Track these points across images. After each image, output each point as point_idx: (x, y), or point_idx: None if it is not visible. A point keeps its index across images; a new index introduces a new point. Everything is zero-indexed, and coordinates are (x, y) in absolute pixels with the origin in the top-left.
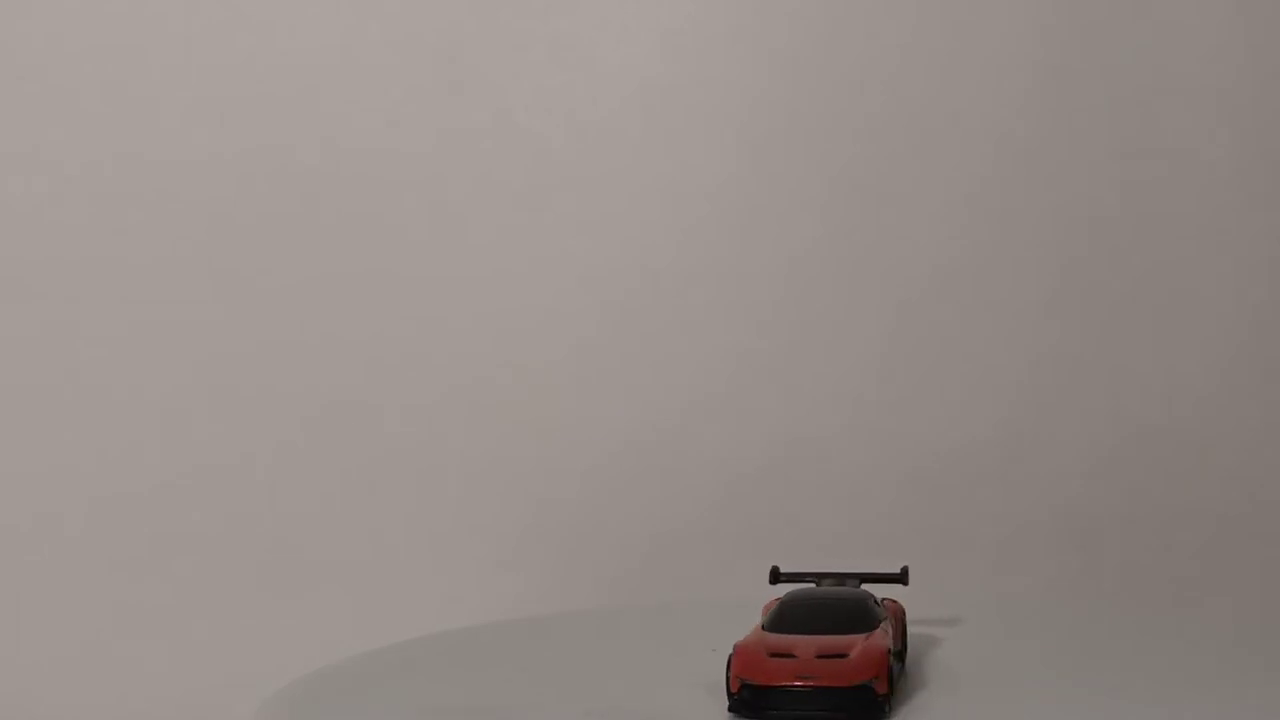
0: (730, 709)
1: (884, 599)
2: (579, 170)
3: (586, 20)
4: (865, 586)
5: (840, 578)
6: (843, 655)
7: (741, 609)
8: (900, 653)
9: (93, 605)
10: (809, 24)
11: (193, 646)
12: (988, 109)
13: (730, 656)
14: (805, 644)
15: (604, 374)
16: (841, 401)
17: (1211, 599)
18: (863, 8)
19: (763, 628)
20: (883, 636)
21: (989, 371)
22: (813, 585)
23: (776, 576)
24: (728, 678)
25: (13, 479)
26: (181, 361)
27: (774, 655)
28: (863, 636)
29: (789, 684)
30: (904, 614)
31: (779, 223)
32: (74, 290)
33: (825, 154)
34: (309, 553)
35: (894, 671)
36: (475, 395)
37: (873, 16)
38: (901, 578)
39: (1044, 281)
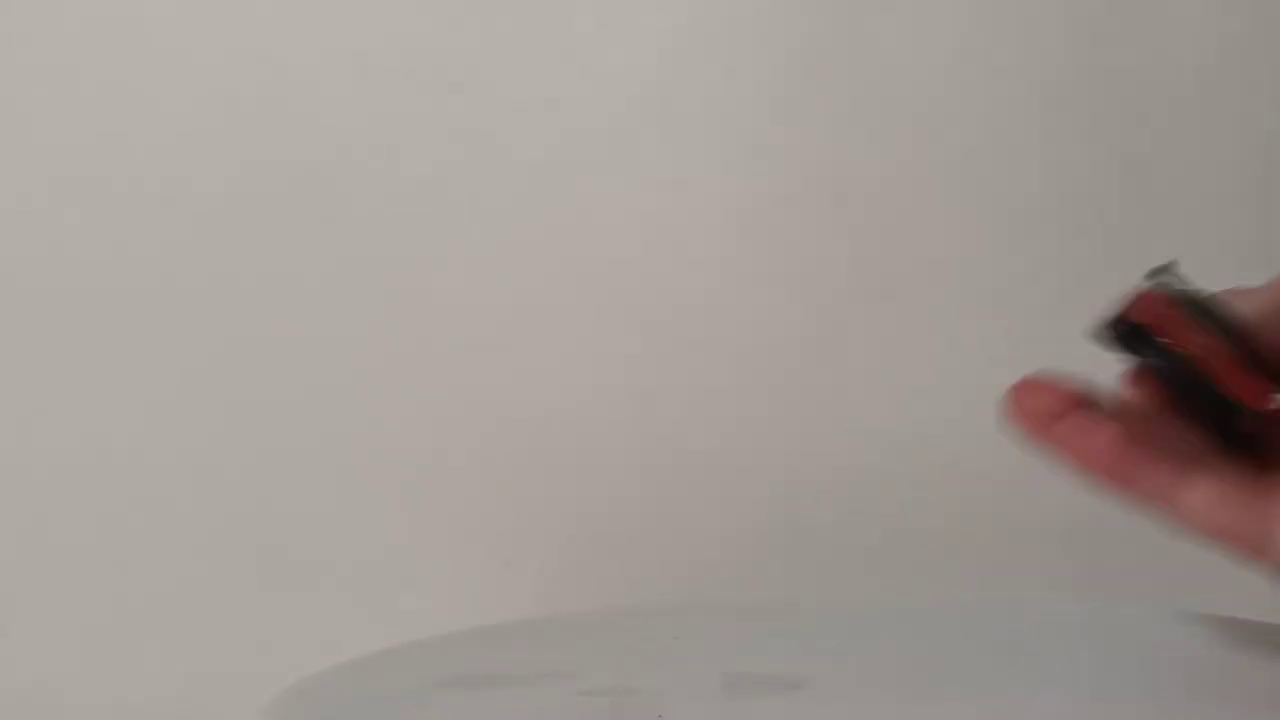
0: None
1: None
2: (579, 171)
3: (588, 20)
4: None
5: None
6: None
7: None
8: None
9: (91, 605)
10: (820, 24)
11: (194, 648)
12: (1000, 115)
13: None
14: None
15: (608, 373)
16: (858, 404)
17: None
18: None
19: None
20: None
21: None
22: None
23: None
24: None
25: (9, 479)
26: (184, 364)
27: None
28: None
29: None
30: None
31: (787, 224)
32: (71, 288)
33: (835, 157)
34: (307, 557)
35: None
36: (477, 394)
37: (883, 14)
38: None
39: (1045, 282)
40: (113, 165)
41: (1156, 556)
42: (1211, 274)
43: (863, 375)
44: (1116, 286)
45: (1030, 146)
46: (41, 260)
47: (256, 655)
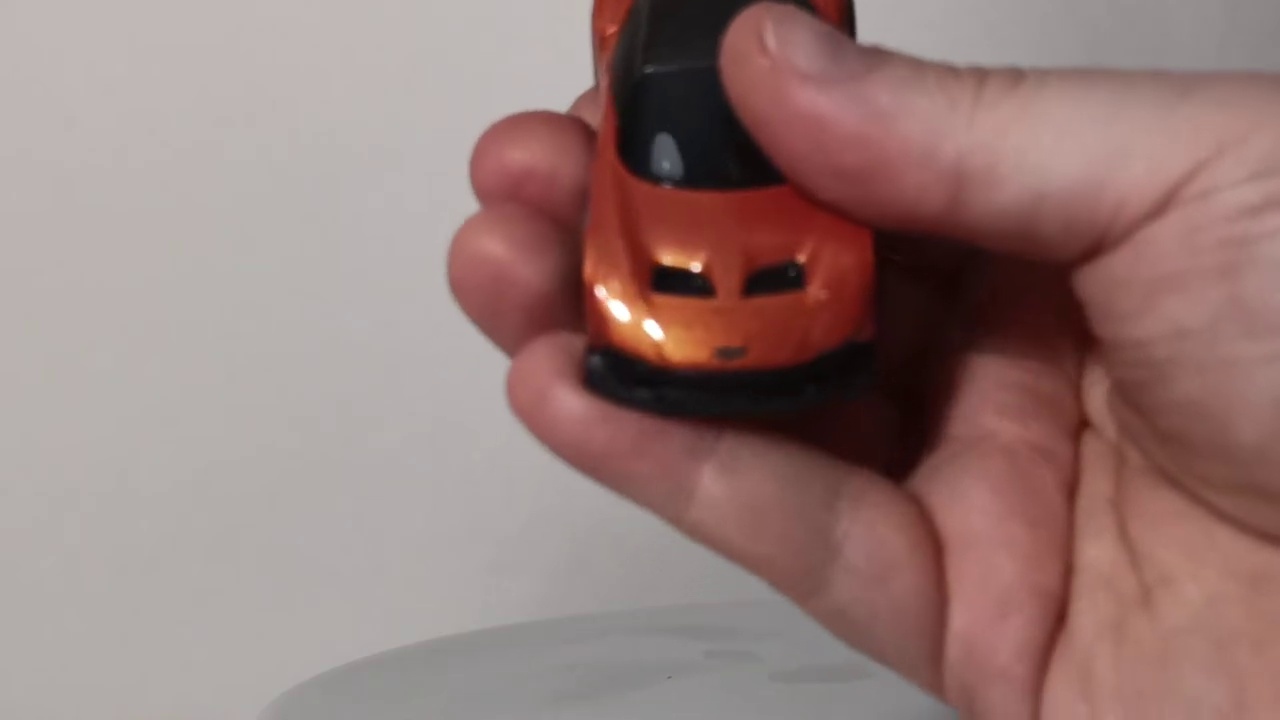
0: (590, 383)
1: None
2: None
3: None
4: None
5: None
6: (788, 276)
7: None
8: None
9: (92, 610)
10: None
11: (192, 652)
12: None
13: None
14: (719, 240)
15: None
16: None
17: None
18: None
19: (620, 152)
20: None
21: None
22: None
23: None
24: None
25: (13, 483)
26: (183, 364)
27: (666, 276)
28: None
29: (703, 366)
30: None
31: None
32: (74, 291)
33: None
34: (308, 557)
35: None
36: (476, 399)
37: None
38: None
39: None
40: (109, 164)
41: None
42: None
43: None
44: None
45: None
46: (41, 258)
47: (257, 660)
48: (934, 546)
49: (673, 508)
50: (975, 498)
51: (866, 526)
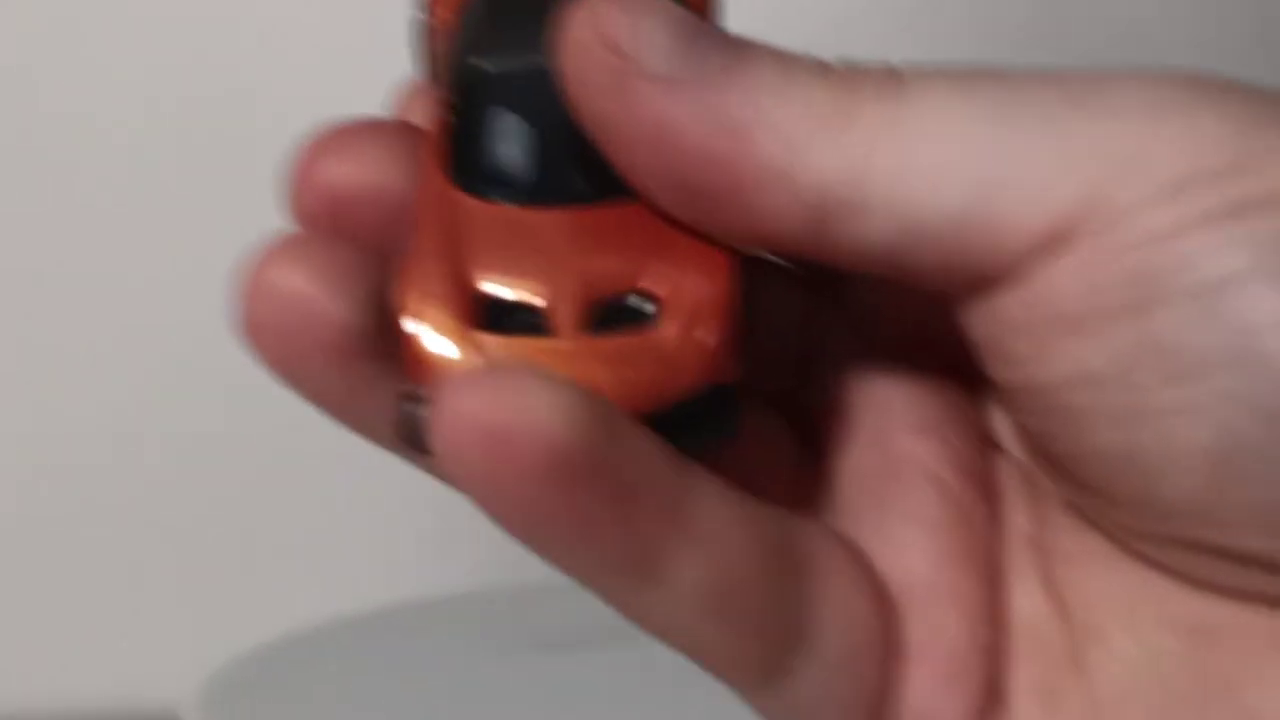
0: (402, 435)
1: None
2: None
3: None
4: None
5: None
6: (638, 309)
7: None
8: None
9: (24, 583)
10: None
11: (133, 624)
12: None
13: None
14: (557, 267)
15: None
16: None
17: None
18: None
19: (451, 174)
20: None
21: None
22: None
23: None
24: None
25: None
26: (136, 332)
27: (497, 310)
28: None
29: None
30: None
31: None
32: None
33: None
34: (252, 526)
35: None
36: None
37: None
38: None
39: None
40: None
41: None
42: None
43: None
44: None
45: None
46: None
47: (198, 632)
48: (888, 608)
49: (629, 586)
50: (911, 540)
51: (837, 605)
